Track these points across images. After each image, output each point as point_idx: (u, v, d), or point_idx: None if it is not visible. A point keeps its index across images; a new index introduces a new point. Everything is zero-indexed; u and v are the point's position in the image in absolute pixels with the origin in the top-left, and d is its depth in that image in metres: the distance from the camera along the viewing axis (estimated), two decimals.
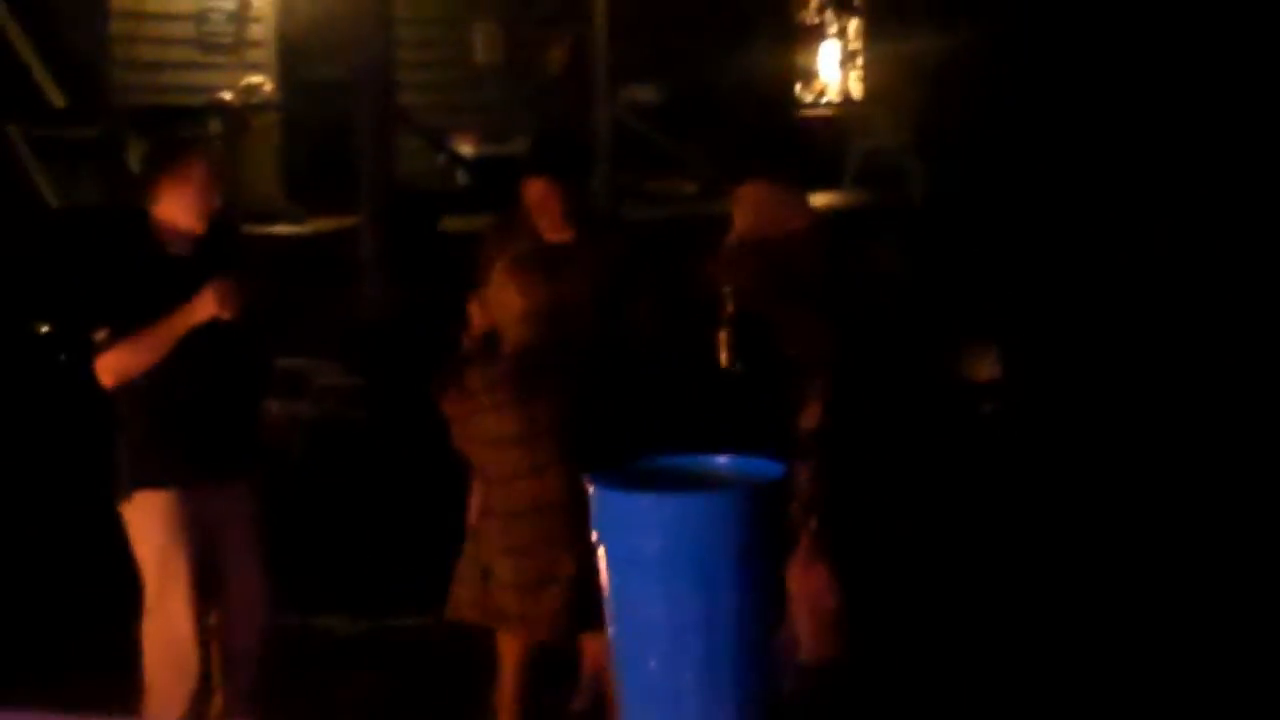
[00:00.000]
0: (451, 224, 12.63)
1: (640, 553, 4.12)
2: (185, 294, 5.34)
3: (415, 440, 9.24)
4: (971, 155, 15.45)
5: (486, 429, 5.08)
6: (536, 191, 6.22)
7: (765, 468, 4.37)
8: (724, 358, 5.44)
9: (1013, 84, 16.18)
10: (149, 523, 5.59)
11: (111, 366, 5.36)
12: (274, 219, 12.76)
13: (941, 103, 16.41)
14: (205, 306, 5.35)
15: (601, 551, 4.22)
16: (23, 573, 7.59)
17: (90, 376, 5.44)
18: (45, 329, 9.57)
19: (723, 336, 5.45)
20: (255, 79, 14.54)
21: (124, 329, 5.33)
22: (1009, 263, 12.22)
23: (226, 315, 5.32)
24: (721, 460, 4.46)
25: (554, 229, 6.24)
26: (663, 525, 4.13)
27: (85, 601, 7.19)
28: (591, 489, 4.25)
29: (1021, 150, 15.19)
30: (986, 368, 5.66)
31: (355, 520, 8.23)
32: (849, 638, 5.41)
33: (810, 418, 5.37)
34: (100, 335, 5.34)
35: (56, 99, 12.88)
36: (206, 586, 5.66)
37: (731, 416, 5.30)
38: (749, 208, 5.59)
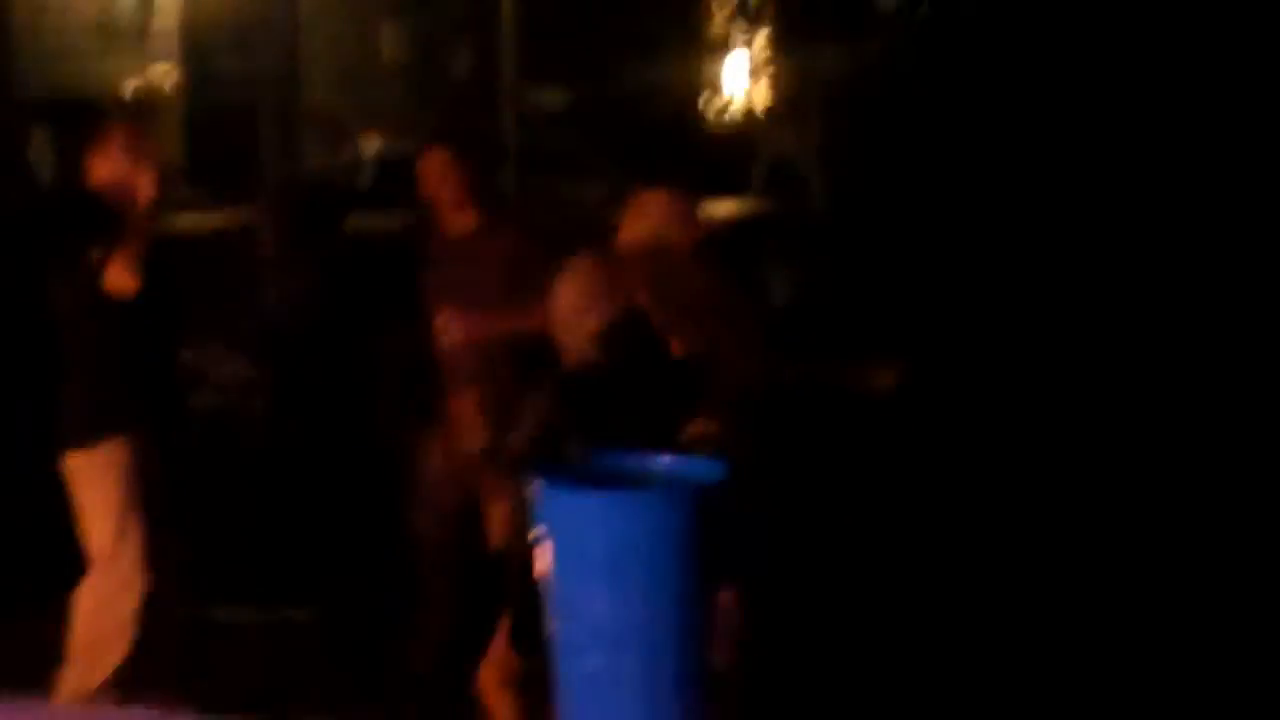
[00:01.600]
0: (356, 222, 12.58)
1: (587, 550, 4.17)
2: None
3: (315, 434, 9.23)
4: (876, 166, 15.56)
5: None
6: (437, 162, 6.26)
7: (706, 467, 4.46)
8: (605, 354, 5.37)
9: (917, 97, 16.31)
10: (107, 472, 5.58)
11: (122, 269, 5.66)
12: (176, 208, 12.64)
13: (846, 114, 16.51)
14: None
15: (547, 548, 4.25)
16: None
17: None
18: None
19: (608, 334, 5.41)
20: (160, 69, 14.43)
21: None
22: (909, 273, 12.30)
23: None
24: (661, 459, 4.52)
25: (454, 204, 6.25)
26: (611, 523, 4.18)
27: None
28: (538, 486, 4.29)
29: (925, 160, 15.31)
30: (884, 380, 5.68)
31: (250, 511, 8.20)
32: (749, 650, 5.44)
33: (701, 425, 5.36)
34: (96, 254, 5.67)
35: None
36: None
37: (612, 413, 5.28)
38: (643, 215, 5.55)
